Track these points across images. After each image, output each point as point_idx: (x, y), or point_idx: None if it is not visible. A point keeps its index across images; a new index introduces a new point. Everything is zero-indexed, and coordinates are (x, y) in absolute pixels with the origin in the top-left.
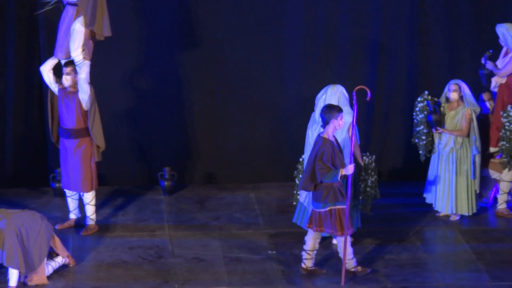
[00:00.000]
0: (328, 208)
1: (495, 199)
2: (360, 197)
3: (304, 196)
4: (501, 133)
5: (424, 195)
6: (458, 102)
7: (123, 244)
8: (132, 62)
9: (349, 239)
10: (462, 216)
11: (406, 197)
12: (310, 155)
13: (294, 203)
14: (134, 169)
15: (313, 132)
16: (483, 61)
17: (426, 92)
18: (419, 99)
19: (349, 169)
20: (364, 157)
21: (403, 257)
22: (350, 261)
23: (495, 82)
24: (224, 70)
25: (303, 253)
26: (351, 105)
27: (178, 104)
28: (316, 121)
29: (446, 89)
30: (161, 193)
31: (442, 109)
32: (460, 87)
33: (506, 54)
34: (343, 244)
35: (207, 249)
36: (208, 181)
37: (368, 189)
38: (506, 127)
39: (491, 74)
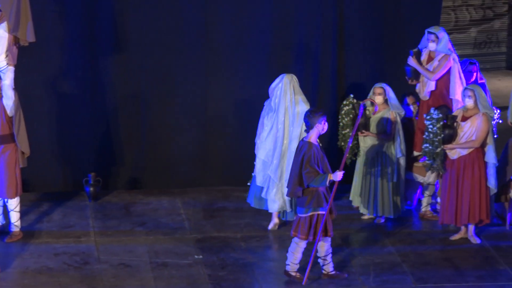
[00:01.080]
0: (310, 214)
1: (419, 202)
2: None
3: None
4: (424, 136)
5: (350, 198)
6: (383, 105)
7: (48, 251)
8: (56, 67)
9: (303, 245)
10: (387, 219)
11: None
12: (295, 161)
13: (248, 183)
14: (59, 175)
15: (268, 119)
16: (409, 60)
17: (351, 95)
18: (344, 102)
19: (338, 176)
20: None
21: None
22: (293, 266)
23: (425, 89)
24: (149, 75)
25: (319, 260)
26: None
27: (102, 109)
28: (272, 109)
29: (371, 93)
30: (86, 199)
31: (367, 112)
32: (385, 91)
33: (430, 59)
34: (296, 246)
35: (133, 255)
36: (133, 186)
37: None
38: (430, 130)
39: (416, 70)
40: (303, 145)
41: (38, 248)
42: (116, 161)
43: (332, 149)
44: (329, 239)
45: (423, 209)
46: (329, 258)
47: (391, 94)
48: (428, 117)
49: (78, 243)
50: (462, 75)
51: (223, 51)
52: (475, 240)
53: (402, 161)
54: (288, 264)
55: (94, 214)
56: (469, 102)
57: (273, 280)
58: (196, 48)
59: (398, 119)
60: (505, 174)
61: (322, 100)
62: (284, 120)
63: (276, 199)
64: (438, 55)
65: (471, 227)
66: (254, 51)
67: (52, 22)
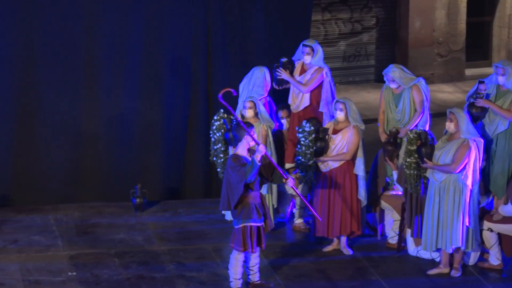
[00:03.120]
0: (241, 225)
1: (292, 214)
2: None
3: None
4: (296, 148)
5: (223, 212)
6: (253, 119)
7: None
8: None
9: (241, 258)
10: None
11: (205, 214)
12: (224, 175)
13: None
14: None
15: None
16: (280, 68)
17: (222, 111)
18: (215, 117)
19: (260, 149)
20: None
21: (203, 275)
22: (236, 282)
23: (296, 102)
24: (17, 90)
25: (246, 269)
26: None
27: None
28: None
29: (241, 107)
30: None
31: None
32: (255, 104)
33: (303, 71)
34: (235, 261)
35: (5, 273)
36: (4, 203)
37: None
38: (302, 143)
39: (283, 79)
40: (228, 159)
41: None
42: None
43: (206, 163)
44: (258, 249)
45: (296, 222)
46: (256, 268)
47: (261, 107)
48: (300, 130)
49: None
50: (333, 88)
51: (95, 66)
52: (347, 251)
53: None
54: (231, 281)
55: None
56: (340, 115)
57: None
58: (68, 62)
59: (269, 132)
60: (376, 185)
61: (193, 115)
62: (241, 107)
63: None
64: (311, 67)
65: (343, 239)
66: (126, 66)
67: None
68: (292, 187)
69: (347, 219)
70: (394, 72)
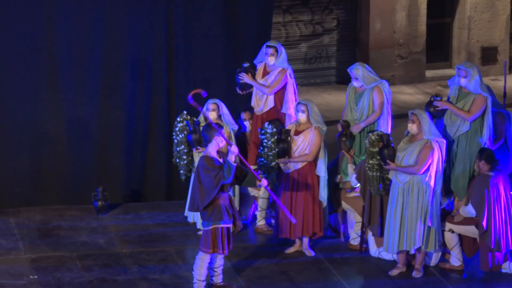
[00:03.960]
0: (211, 227)
1: (254, 216)
2: None
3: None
4: (259, 150)
5: (185, 214)
6: (216, 121)
7: None
8: None
9: (207, 259)
10: None
11: (167, 216)
12: (194, 177)
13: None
14: None
15: None
16: (242, 73)
17: (185, 112)
18: (178, 119)
19: (233, 149)
20: None
21: (165, 277)
22: (200, 283)
23: (260, 104)
24: None
25: (210, 270)
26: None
27: None
28: None
29: (204, 108)
30: None
31: (201, 128)
32: (218, 106)
33: (266, 73)
34: (200, 262)
35: None
36: None
37: None
38: (264, 144)
39: (246, 84)
40: (200, 160)
41: None
42: None
43: (169, 165)
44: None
45: (258, 223)
46: (219, 270)
47: (224, 110)
48: (262, 132)
49: None
50: (296, 90)
51: (56, 68)
52: (309, 253)
53: None
54: (195, 283)
55: None
56: (302, 116)
57: None
58: (29, 64)
59: (232, 135)
60: (334, 183)
61: (155, 117)
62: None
63: None
64: (275, 69)
65: (306, 240)
66: (87, 69)
67: None
68: (266, 188)
69: (309, 220)
70: (357, 70)
